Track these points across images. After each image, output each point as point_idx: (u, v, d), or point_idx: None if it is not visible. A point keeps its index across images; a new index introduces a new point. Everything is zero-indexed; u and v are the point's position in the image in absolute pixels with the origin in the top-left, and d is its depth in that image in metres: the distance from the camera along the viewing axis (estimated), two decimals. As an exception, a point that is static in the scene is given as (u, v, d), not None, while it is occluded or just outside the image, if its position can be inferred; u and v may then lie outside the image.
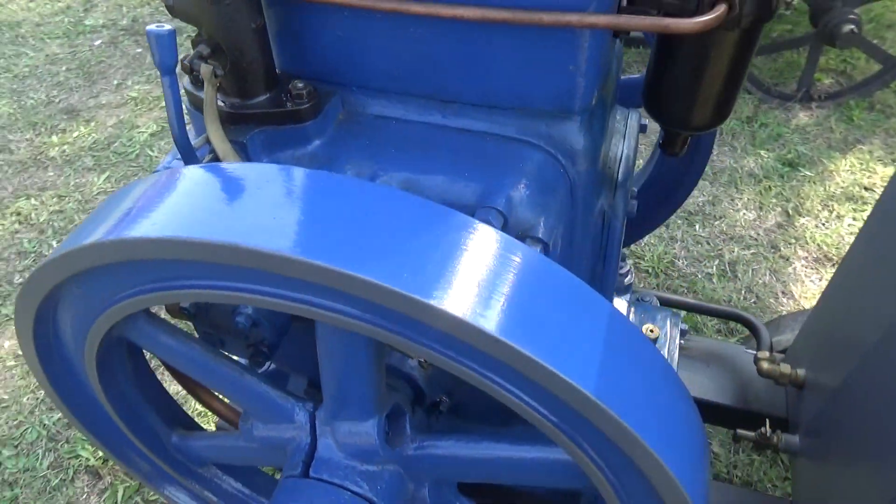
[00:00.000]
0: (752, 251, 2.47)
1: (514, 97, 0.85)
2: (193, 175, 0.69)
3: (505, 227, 0.79)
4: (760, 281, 2.35)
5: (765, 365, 1.39)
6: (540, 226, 0.81)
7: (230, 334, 0.91)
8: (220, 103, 0.83)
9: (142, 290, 0.71)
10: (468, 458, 0.84)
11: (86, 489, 1.80)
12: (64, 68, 3.58)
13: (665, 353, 1.35)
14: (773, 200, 2.68)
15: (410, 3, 0.76)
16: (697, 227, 2.56)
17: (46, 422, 1.94)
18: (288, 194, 0.66)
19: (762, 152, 2.89)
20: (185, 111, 0.81)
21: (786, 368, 1.38)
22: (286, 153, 0.86)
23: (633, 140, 1.08)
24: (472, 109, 0.87)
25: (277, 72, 0.88)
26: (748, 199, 2.69)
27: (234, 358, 0.92)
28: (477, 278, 0.60)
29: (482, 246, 0.63)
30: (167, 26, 0.74)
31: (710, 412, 1.51)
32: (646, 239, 2.45)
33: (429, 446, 0.85)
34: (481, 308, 0.58)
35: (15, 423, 1.94)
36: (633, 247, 2.46)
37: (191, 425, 1.11)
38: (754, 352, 1.47)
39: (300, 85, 0.83)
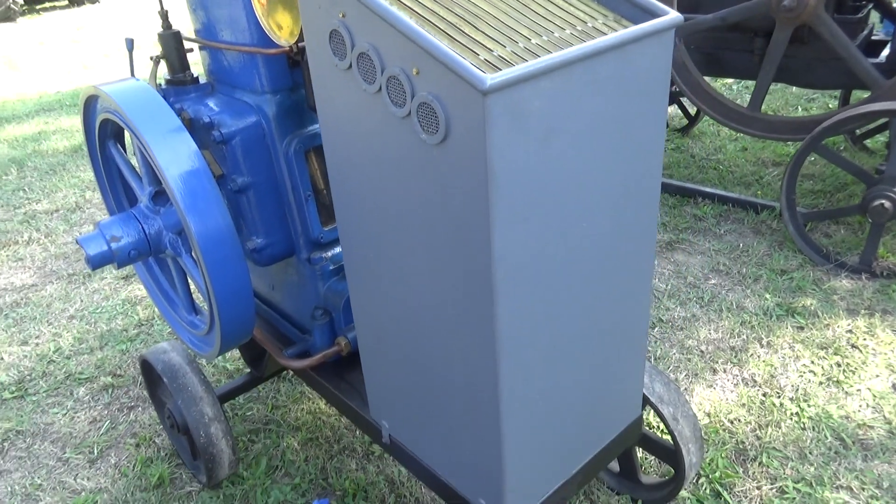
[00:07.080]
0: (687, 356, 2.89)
1: (248, 84, 2.03)
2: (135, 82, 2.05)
3: (212, 124, 1.98)
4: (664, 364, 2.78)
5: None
6: (225, 127, 1.97)
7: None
8: (166, 76, 2.20)
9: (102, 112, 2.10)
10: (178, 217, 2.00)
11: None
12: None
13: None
14: (744, 330, 2.99)
15: (217, 42, 2.05)
16: (656, 330, 3.05)
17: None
18: (145, 92, 1.98)
19: (767, 295, 3.17)
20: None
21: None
22: (178, 97, 2.17)
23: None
24: (240, 90, 2.08)
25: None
26: (725, 324, 3.05)
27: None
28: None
29: (153, 101, 1.88)
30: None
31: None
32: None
33: (167, 210, 2.04)
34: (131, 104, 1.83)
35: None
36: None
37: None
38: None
39: (189, 75, 2.16)
